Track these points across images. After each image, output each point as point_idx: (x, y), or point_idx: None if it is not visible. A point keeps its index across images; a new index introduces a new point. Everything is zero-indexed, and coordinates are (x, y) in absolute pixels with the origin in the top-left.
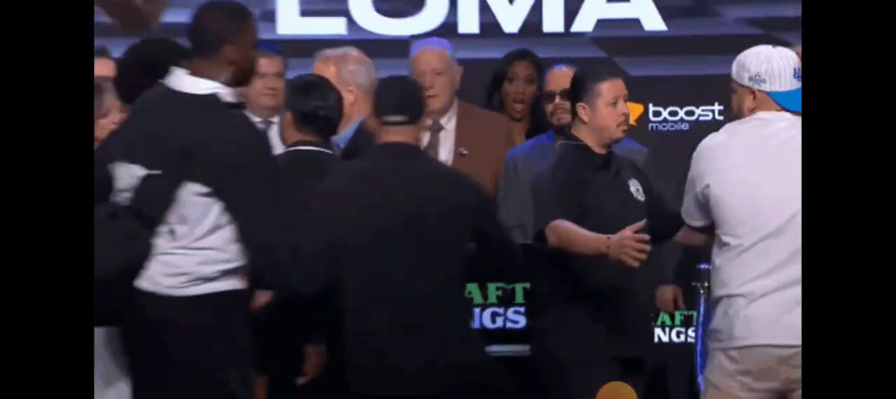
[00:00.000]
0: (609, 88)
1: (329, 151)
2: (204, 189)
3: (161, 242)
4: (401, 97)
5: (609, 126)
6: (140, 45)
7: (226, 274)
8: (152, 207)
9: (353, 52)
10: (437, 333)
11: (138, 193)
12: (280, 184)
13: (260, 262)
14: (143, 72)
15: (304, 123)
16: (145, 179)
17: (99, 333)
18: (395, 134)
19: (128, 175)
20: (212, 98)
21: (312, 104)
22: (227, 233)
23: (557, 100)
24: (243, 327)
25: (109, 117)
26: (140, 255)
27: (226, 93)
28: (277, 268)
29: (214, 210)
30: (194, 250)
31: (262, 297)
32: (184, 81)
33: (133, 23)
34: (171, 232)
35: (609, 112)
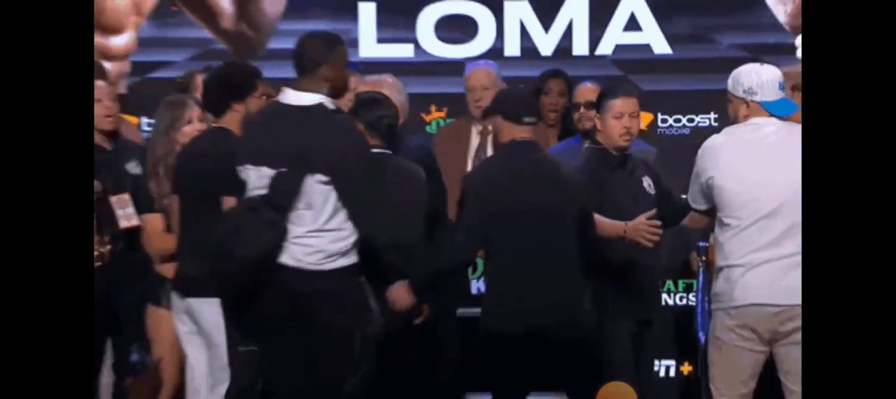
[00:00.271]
0: (618, 105)
1: (391, 152)
2: (324, 178)
3: (295, 229)
4: (530, 103)
5: (612, 135)
6: (224, 66)
7: (352, 247)
8: (283, 199)
9: (388, 78)
10: (560, 291)
11: (271, 189)
12: (380, 175)
13: (376, 243)
14: (225, 89)
15: (372, 130)
16: (275, 177)
17: (195, 302)
18: (524, 132)
19: (257, 176)
20: (319, 107)
21: (378, 114)
22: (345, 214)
23: (582, 110)
24: (365, 291)
25: (192, 126)
26: (278, 239)
27: (329, 103)
28: (386, 246)
29: (333, 196)
30: (324, 232)
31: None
32: (292, 96)
33: (245, 49)
34: (300, 218)
35: (614, 124)
